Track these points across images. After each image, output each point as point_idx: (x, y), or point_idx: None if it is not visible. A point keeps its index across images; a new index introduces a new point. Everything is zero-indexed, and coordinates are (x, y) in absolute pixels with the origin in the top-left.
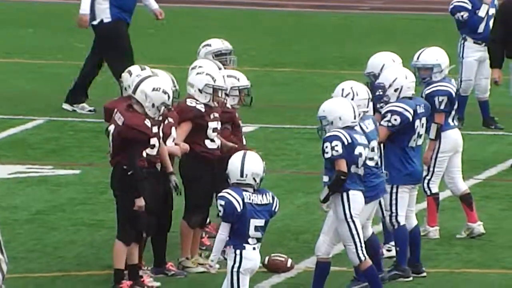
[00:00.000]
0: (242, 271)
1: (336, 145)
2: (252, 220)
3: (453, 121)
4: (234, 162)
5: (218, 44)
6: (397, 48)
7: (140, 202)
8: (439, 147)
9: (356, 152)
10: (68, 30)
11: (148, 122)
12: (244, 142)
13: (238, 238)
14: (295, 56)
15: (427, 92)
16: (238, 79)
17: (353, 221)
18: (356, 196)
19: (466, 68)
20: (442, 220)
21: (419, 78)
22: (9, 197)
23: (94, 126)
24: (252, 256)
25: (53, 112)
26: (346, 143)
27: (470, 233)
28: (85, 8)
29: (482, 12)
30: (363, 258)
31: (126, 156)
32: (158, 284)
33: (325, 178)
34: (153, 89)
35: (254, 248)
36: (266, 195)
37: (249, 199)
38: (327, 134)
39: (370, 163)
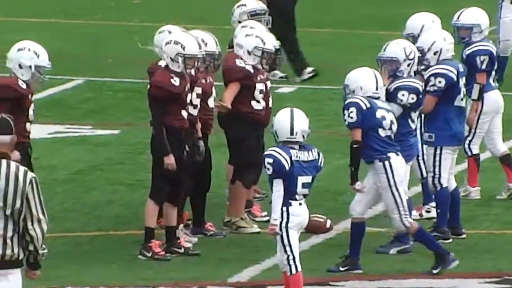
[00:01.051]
0: (290, 226)
1: (351, 112)
2: (299, 178)
3: (493, 81)
4: (283, 120)
5: (253, 4)
6: (435, 8)
7: (169, 160)
8: (481, 109)
9: (378, 115)
10: None
11: (175, 80)
12: (271, 104)
13: (285, 196)
14: (333, 16)
15: (467, 52)
16: (264, 43)
17: (397, 189)
18: (397, 161)
19: (503, 28)
20: (481, 181)
21: (458, 38)
22: (49, 156)
23: (132, 86)
24: (299, 212)
25: (91, 72)
26: (364, 107)
27: (511, 194)
28: None
29: None
30: (408, 225)
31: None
32: (195, 239)
33: None
34: (166, 43)
35: (300, 204)
36: (311, 151)
37: (296, 156)
38: (346, 101)
39: (413, 125)
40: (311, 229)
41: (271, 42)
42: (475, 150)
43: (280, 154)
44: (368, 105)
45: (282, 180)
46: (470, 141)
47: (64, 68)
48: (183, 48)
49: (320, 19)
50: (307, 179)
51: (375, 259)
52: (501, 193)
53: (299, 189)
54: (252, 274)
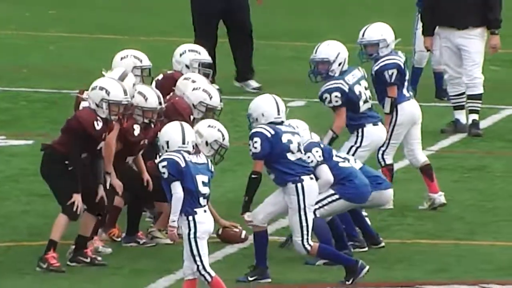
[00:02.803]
0: (199, 235)
1: (256, 142)
2: (197, 176)
3: (408, 92)
4: (174, 131)
5: (206, 55)
6: (350, 21)
7: (77, 198)
8: (396, 120)
9: (284, 140)
10: (20, 0)
11: (98, 124)
12: None
13: (189, 201)
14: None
15: (375, 68)
16: (141, 60)
17: (305, 213)
18: (311, 186)
19: (418, 39)
20: (394, 191)
21: (366, 55)
22: None
23: (47, 96)
24: (204, 219)
25: (6, 82)
26: (269, 135)
27: (432, 204)
28: None
29: None
30: (309, 248)
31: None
32: (109, 250)
33: (272, 176)
34: (92, 89)
35: (205, 211)
36: (200, 155)
37: (188, 158)
38: (251, 132)
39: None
40: (226, 239)
41: (217, 98)
42: (389, 160)
43: (173, 155)
44: (273, 132)
45: (180, 182)
46: (384, 151)
47: None
48: (108, 94)
49: None
50: (204, 178)
51: (288, 269)
52: (423, 203)
53: (201, 187)
54: (167, 284)
